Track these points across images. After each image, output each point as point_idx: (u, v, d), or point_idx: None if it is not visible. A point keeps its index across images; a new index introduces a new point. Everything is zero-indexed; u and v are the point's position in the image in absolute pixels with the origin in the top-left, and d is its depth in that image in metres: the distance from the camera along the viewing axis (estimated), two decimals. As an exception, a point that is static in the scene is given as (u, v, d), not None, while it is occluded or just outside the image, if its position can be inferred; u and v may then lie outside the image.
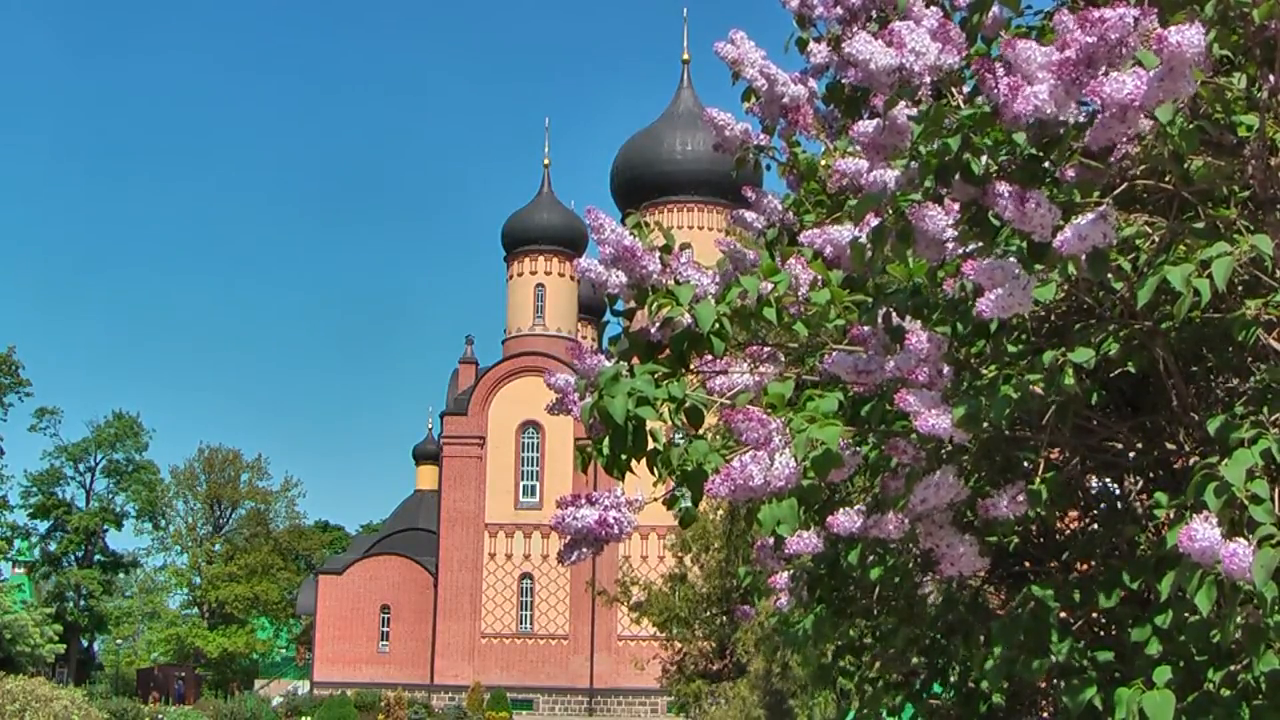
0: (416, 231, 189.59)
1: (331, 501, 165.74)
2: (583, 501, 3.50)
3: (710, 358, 3.93)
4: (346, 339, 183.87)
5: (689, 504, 3.70)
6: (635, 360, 3.88)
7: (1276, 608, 2.89)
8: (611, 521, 3.45)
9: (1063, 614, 3.88)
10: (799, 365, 4.21)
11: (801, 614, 4.66)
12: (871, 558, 4.12)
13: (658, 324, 3.86)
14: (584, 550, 3.54)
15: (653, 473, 3.73)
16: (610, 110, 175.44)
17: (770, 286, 3.85)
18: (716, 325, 3.71)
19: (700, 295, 3.80)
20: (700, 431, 3.75)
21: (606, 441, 3.61)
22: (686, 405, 3.65)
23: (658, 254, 3.85)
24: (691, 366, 3.94)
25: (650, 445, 3.66)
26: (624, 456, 3.61)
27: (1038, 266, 3.14)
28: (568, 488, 53.24)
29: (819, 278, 3.88)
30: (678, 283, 3.82)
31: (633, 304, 3.97)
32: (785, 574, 4.52)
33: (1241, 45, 3.33)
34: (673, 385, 3.64)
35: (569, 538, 3.52)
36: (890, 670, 4.95)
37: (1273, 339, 3.34)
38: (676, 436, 3.70)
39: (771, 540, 4.04)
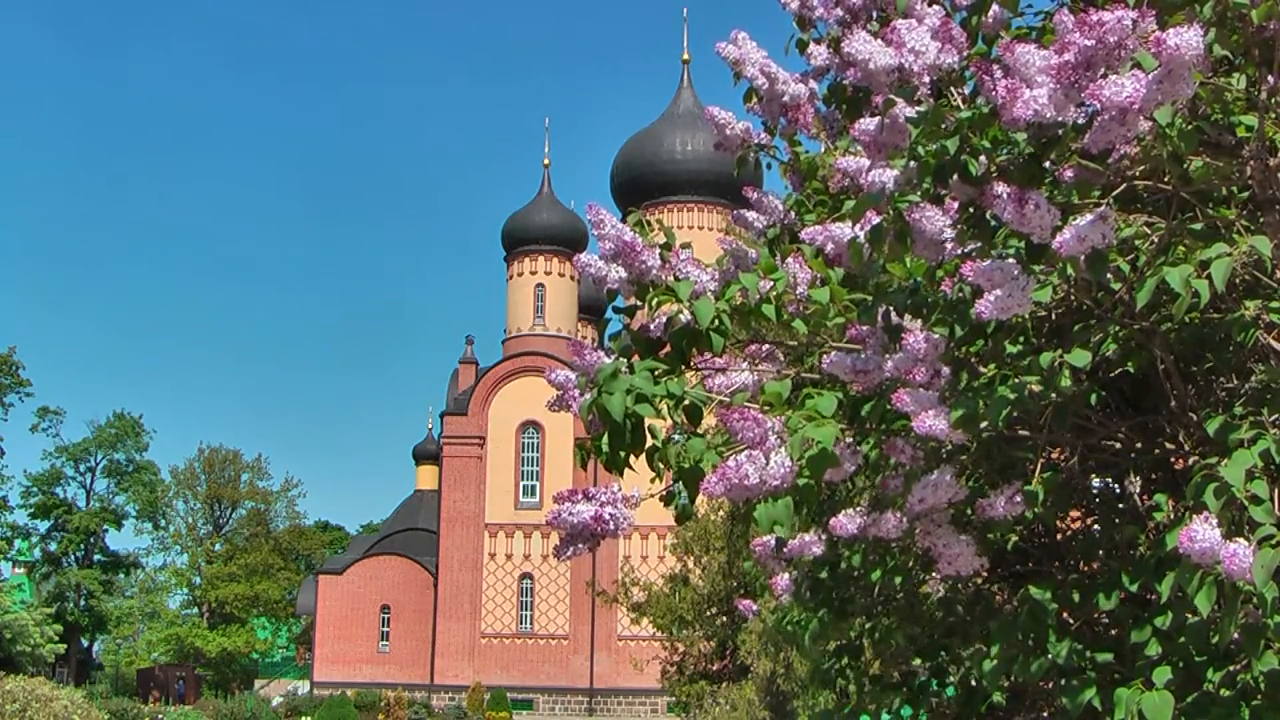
0: (416, 231, 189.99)
1: (331, 501, 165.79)
2: (579, 497, 3.50)
3: (710, 355, 3.92)
4: (346, 339, 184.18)
5: (686, 501, 3.70)
6: (635, 357, 3.87)
7: (1276, 608, 2.89)
8: (607, 517, 3.45)
9: (1063, 614, 3.87)
10: (798, 364, 4.21)
11: (800, 612, 4.66)
12: (872, 558, 4.11)
13: (658, 321, 3.85)
14: (580, 546, 3.53)
15: (652, 469, 3.73)
16: (610, 110, 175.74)
17: (770, 284, 3.85)
18: (716, 322, 3.71)
19: (699, 292, 3.80)
20: (699, 429, 3.75)
21: (605, 438, 3.61)
22: (685, 403, 3.65)
23: (658, 250, 3.85)
24: (691, 364, 3.93)
25: (649, 442, 3.66)
26: (623, 453, 3.61)
27: (1037, 267, 3.14)
28: (568, 487, 53.05)
29: (818, 276, 3.87)
30: (677, 279, 3.82)
31: (633, 300, 3.97)
32: (786, 576, 4.51)
33: (1241, 45, 3.33)
34: (671, 382, 3.64)
35: (565, 533, 3.52)
36: (891, 670, 4.95)
37: (1272, 339, 3.34)
38: (675, 434, 3.69)
39: (773, 541, 4.04)
